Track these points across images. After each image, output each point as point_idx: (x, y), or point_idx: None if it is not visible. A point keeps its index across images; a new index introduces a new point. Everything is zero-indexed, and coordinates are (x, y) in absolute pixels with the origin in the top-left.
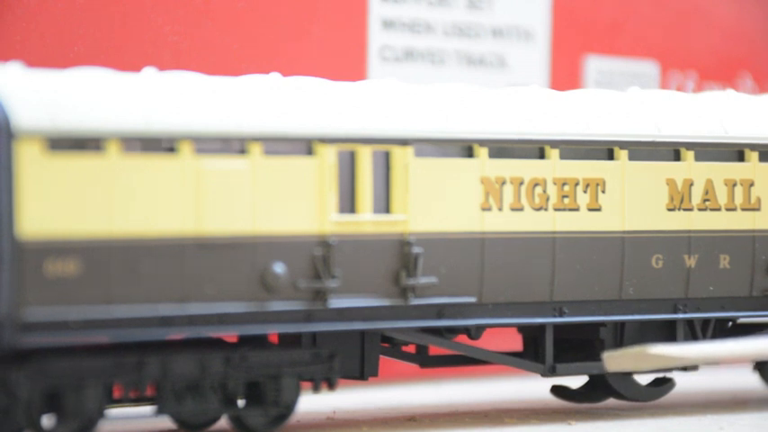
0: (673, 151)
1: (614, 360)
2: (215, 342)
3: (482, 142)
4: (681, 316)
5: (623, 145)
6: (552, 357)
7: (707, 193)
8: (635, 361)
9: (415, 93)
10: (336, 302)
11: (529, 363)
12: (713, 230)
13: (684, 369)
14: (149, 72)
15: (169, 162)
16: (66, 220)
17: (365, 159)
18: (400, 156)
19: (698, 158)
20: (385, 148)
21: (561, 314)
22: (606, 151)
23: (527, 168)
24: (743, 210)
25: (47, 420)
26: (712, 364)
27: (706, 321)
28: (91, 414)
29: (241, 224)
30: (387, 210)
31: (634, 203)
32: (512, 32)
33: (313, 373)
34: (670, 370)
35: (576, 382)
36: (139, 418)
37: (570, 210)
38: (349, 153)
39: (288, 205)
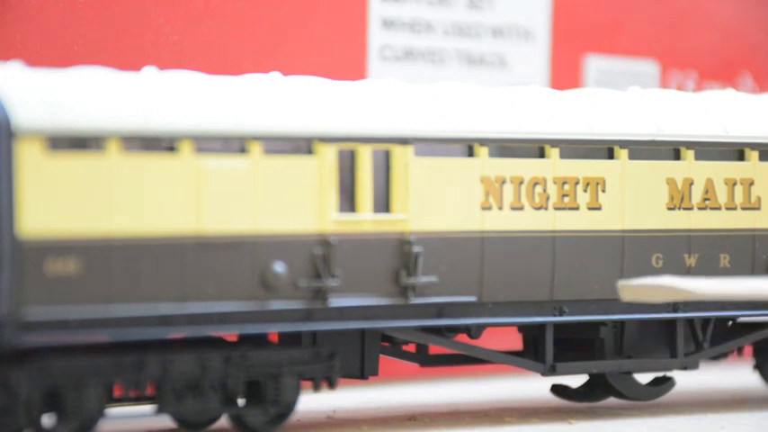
0: (673, 150)
1: (629, 290)
2: (215, 341)
3: (482, 141)
4: (681, 315)
5: (623, 144)
6: (552, 356)
7: (707, 192)
8: (650, 293)
9: (415, 92)
10: (336, 301)
11: (529, 362)
12: (713, 230)
13: (685, 368)
14: (149, 71)
15: (169, 161)
16: (67, 219)
17: (365, 158)
18: (400, 155)
19: (698, 158)
20: (385, 147)
21: (561, 313)
22: (606, 150)
23: (527, 167)
24: (743, 209)
25: (47, 419)
26: (726, 301)
27: (706, 320)
28: (91, 413)
29: (241, 223)
30: (387, 209)
31: (634, 202)
32: (512, 32)
33: (313, 373)
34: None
35: (576, 381)
36: (140, 417)
37: (570, 209)
38: (349, 152)
39: (288, 204)
